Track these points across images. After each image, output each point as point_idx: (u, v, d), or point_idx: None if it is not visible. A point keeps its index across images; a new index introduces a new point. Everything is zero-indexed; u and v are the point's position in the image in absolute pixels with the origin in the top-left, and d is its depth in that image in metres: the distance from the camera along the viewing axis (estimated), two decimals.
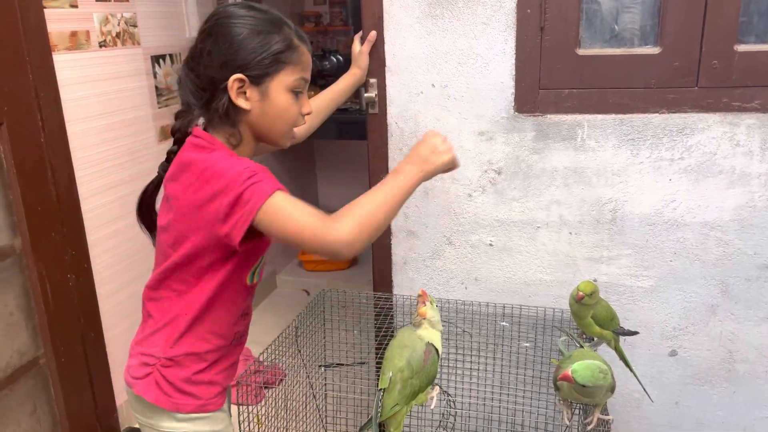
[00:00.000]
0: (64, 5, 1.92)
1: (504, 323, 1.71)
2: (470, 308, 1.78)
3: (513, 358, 1.78)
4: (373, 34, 1.66)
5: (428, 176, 1.10)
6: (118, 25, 2.17)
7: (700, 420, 1.75)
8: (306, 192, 3.84)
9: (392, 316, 1.84)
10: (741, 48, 1.50)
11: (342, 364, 2.05)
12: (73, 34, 1.97)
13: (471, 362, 1.79)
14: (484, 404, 1.79)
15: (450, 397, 1.78)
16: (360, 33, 1.70)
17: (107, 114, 2.12)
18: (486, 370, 1.79)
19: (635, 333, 1.53)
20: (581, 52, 1.58)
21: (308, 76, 1.12)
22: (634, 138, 1.60)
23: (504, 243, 1.75)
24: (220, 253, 1.06)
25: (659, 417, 1.77)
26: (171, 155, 1.13)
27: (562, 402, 1.28)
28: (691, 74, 1.53)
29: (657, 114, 1.57)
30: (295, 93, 1.09)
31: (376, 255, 1.84)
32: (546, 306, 1.74)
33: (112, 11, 2.13)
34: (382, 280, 1.86)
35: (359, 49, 1.67)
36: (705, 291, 1.66)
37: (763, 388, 1.69)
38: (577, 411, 1.37)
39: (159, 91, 2.39)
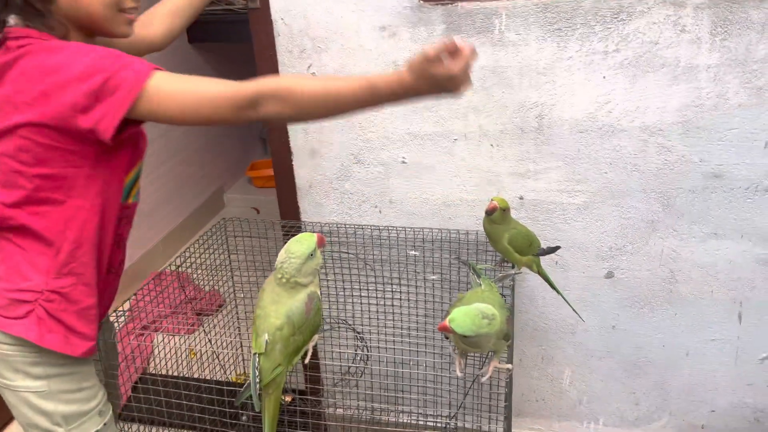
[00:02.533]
0: None
1: (414, 252, 1.52)
2: (386, 234, 1.58)
3: (422, 292, 1.60)
4: None
5: (416, 94, 0.94)
6: None
7: (639, 344, 1.59)
8: None
9: None
10: None
11: None
12: None
13: (379, 297, 1.61)
14: (393, 346, 1.62)
15: (363, 342, 1.63)
16: None
17: None
18: (395, 305, 1.61)
19: (556, 249, 1.35)
20: None
21: None
22: (561, 27, 1.33)
23: (419, 159, 1.51)
24: (79, 156, 0.91)
25: (595, 342, 1.61)
26: None
27: (456, 351, 1.10)
28: None
29: None
30: None
31: (278, 178, 1.62)
32: (468, 228, 1.54)
33: None
34: (288, 205, 1.65)
35: None
36: (644, 206, 1.45)
37: (707, 310, 1.52)
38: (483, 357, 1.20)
39: None
